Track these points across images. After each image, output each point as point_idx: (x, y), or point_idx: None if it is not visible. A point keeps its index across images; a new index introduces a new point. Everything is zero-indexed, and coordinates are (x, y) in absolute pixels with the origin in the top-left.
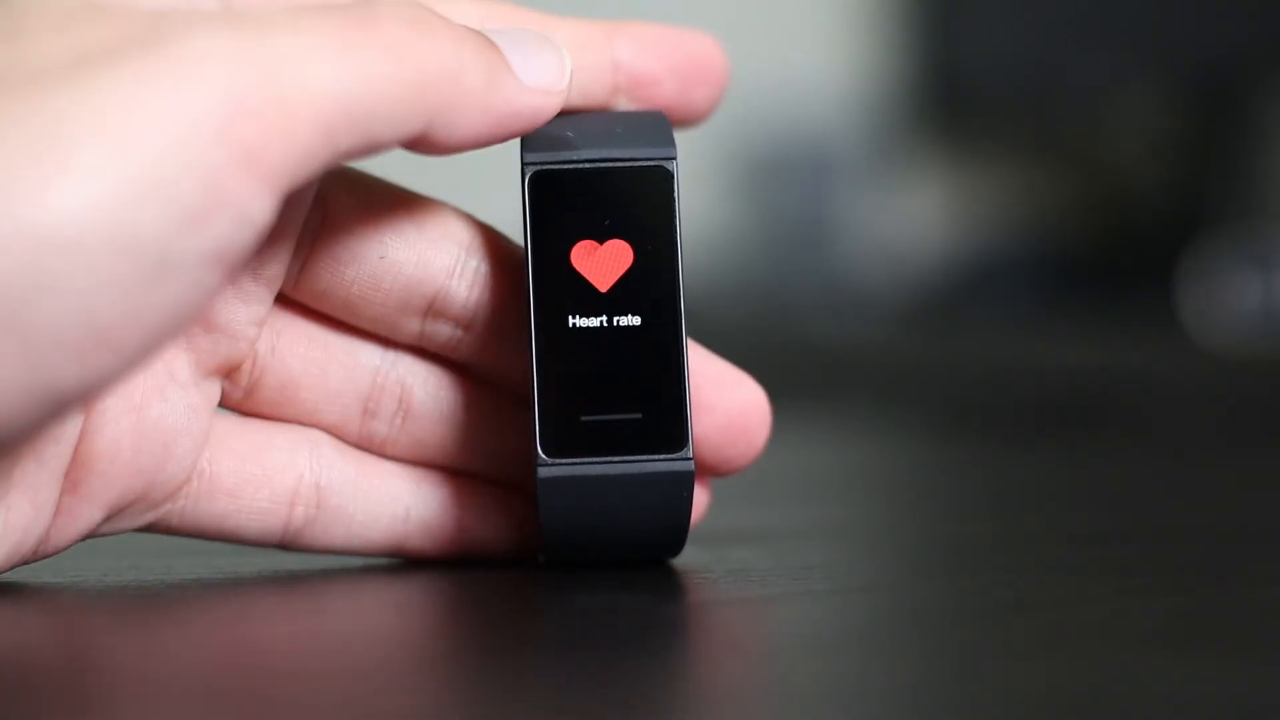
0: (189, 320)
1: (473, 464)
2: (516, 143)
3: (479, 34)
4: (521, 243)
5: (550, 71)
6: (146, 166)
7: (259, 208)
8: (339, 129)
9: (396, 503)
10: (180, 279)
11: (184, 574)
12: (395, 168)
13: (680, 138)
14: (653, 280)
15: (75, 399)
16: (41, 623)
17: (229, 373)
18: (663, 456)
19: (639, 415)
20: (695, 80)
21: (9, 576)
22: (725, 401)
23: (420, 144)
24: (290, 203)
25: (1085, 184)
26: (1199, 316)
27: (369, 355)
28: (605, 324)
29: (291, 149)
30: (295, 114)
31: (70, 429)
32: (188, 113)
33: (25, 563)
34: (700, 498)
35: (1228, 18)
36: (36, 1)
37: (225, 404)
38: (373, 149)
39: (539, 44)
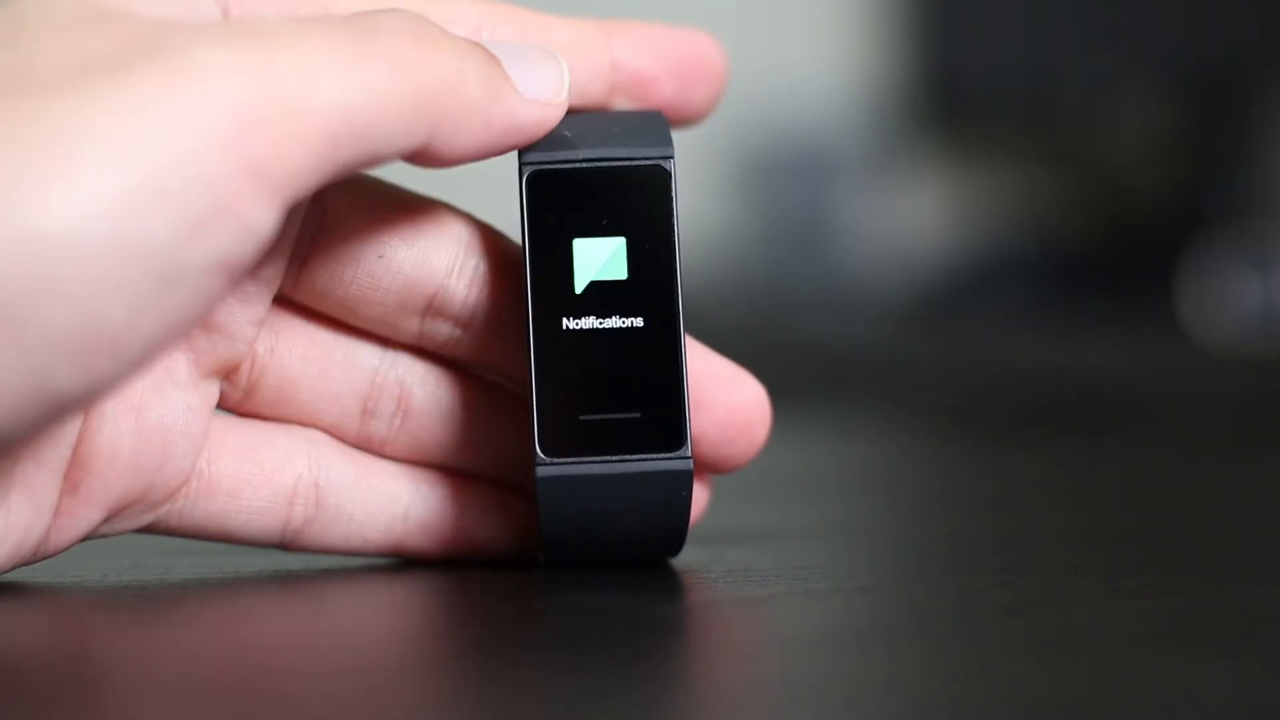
0: (191, 327)
1: (472, 464)
2: None
3: (480, 47)
4: (520, 242)
5: (550, 84)
6: (151, 175)
7: (263, 219)
8: (342, 141)
9: (395, 503)
10: (183, 287)
11: (184, 574)
12: (394, 167)
13: (679, 137)
14: (651, 280)
15: (76, 403)
16: (41, 623)
17: (228, 373)
18: (661, 456)
19: (637, 415)
20: (694, 79)
21: (9, 577)
22: (725, 399)
23: (421, 156)
24: None
25: (1085, 184)
26: (1199, 316)
27: (368, 355)
28: (604, 324)
29: (296, 161)
30: (300, 126)
31: (69, 430)
32: (193, 123)
33: (25, 563)
34: (700, 495)
35: (1227, 17)
36: (43, 8)
37: (224, 405)
38: (375, 161)
39: (539, 56)
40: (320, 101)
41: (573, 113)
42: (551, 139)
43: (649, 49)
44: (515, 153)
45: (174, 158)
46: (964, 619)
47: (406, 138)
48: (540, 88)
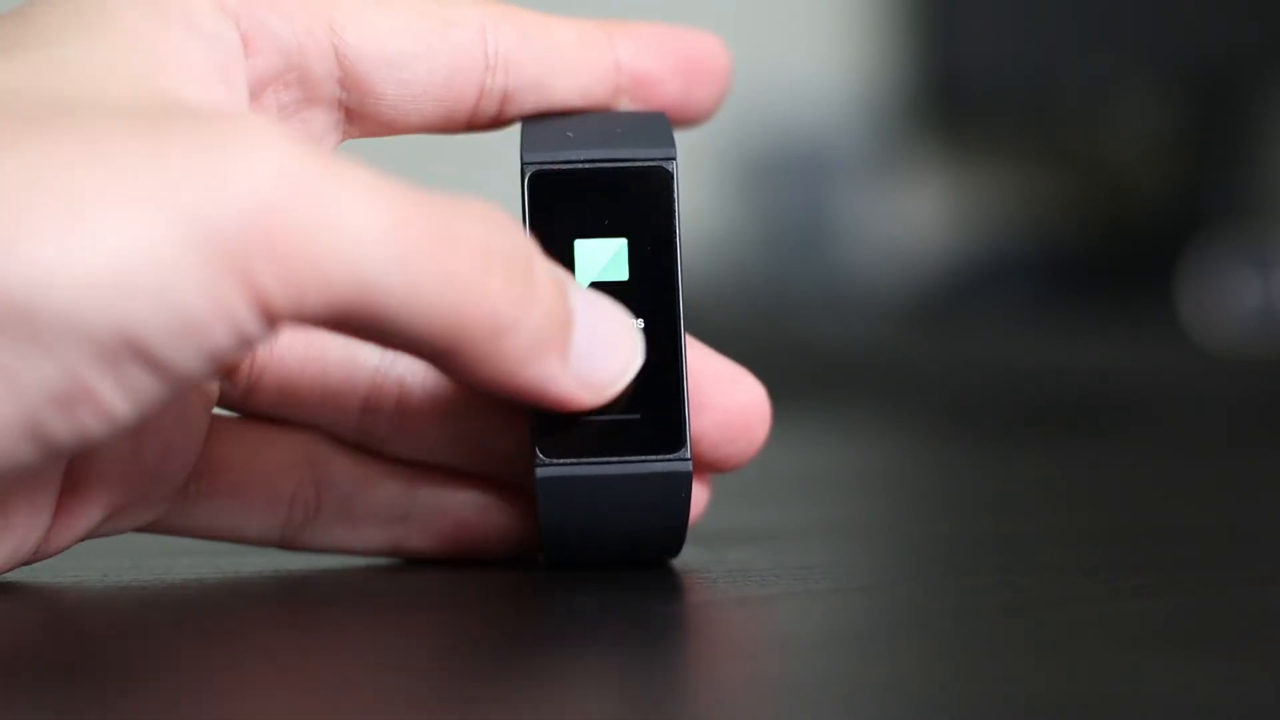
0: (181, 393)
1: (472, 464)
2: (516, 142)
3: (560, 297)
4: None
5: (610, 372)
6: (157, 267)
7: (257, 332)
8: (352, 315)
9: (395, 502)
10: (169, 371)
11: (184, 574)
12: (395, 163)
13: (680, 137)
14: (652, 281)
15: (68, 450)
16: (41, 623)
17: (228, 373)
18: (661, 457)
19: (637, 415)
20: (698, 79)
21: (9, 577)
22: (725, 398)
23: (429, 363)
24: None
25: (1085, 184)
26: (1199, 316)
27: (368, 355)
28: None
29: (294, 305)
30: (313, 278)
31: None
32: (210, 220)
33: (26, 563)
34: (700, 495)
35: (1227, 17)
36: (113, 100)
37: (224, 403)
38: (379, 345)
39: (618, 337)
40: (351, 264)
41: (575, 113)
42: (553, 139)
43: (652, 49)
44: (518, 153)
45: (184, 253)
46: (964, 619)
47: (417, 347)
48: (596, 372)
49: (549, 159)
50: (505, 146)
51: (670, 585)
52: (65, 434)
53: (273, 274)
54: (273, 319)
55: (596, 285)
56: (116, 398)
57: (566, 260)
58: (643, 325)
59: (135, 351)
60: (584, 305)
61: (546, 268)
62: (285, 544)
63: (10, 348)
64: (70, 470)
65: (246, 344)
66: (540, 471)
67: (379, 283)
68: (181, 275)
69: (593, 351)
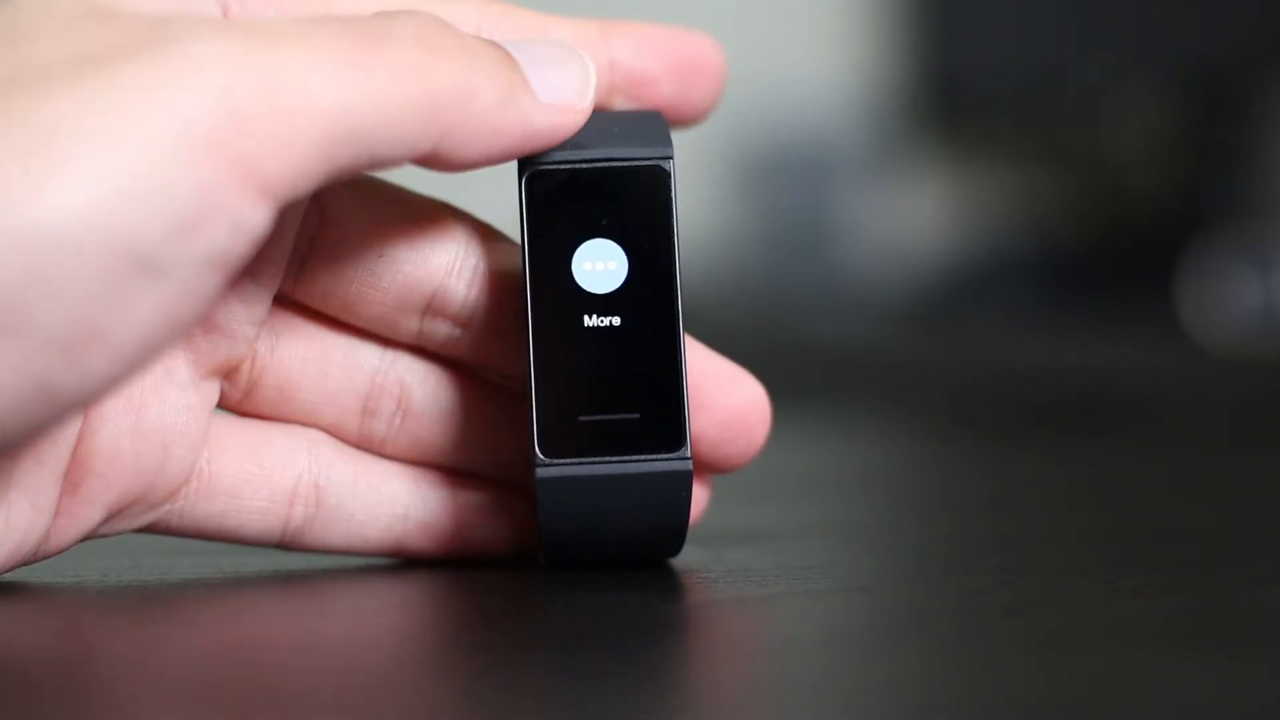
0: (187, 325)
1: (472, 464)
2: None
3: (497, 48)
4: (519, 242)
5: (572, 87)
6: (141, 172)
7: (255, 218)
8: (340, 145)
9: (395, 502)
10: (175, 284)
11: (184, 574)
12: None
13: (679, 137)
14: (651, 280)
15: (75, 402)
16: (41, 623)
17: (228, 373)
18: (661, 456)
19: (637, 415)
20: (693, 79)
21: (9, 576)
22: (725, 399)
23: (429, 161)
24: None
25: (1085, 184)
26: (1199, 316)
27: (368, 355)
28: (603, 324)
29: (289, 163)
30: (294, 128)
31: (69, 430)
32: (184, 120)
33: (25, 563)
34: (700, 495)
35: (1227, 17)
36: (40, 5)
37: (224, 404)
38: (376, 166)
39: (562, 57)
40: (318, 104)
41: None
42: None
43: (648, 49)
44: None
45: (165, 155)
46: (964, 619)
47: (411, 145)
48: (560, 91)
49: (546, 159)
50: None
51: (670, 585)
52: (70, 384)
53: (258, 147)
54: (268, 195)
55: (596, 284)
56: (121, 326)
57: (565, 259)
58: (640, 324)
59: (136, 263)
60: (516, 47)
61: (467, 31)
62: (285, 544)
63: (10, 290)
64: (70, 470)
65: (247, 235)
66: (540, 471)
67: (349, 105)
68: (166, 176)
69: (547, 76)
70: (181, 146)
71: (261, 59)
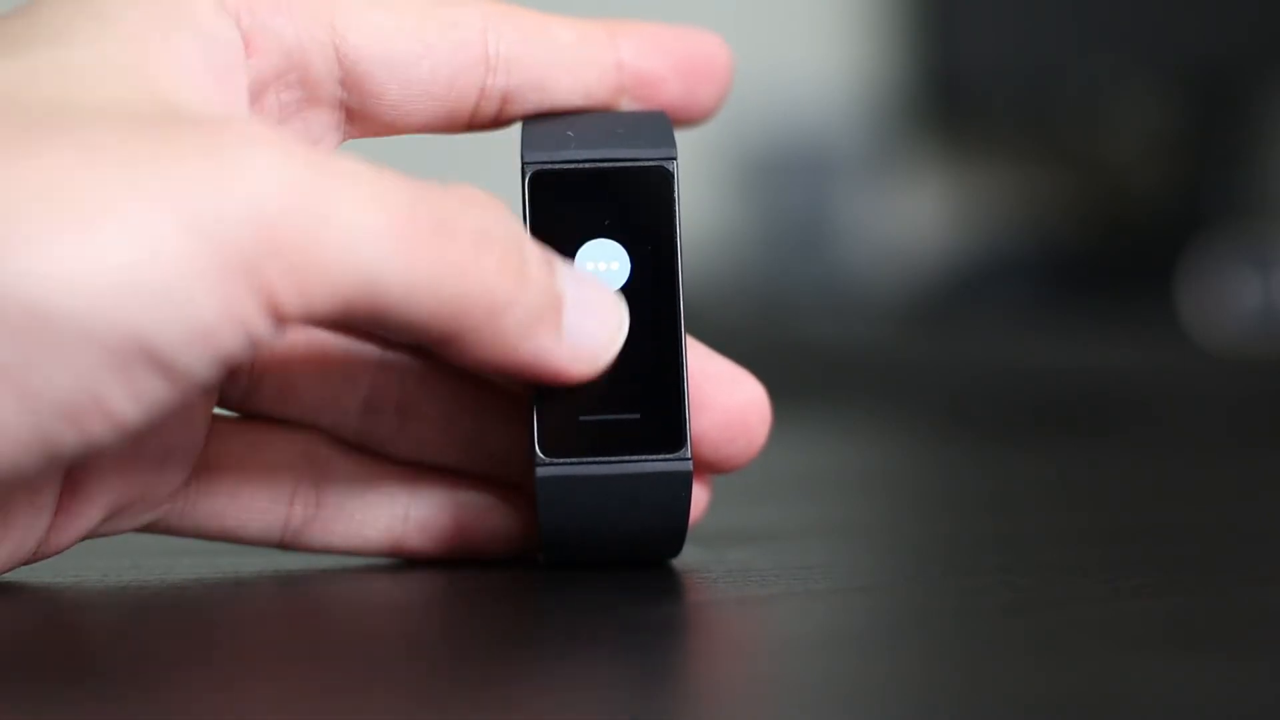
0: (189, 400)
1: (472, 464)
2: (517, 141)
3: (549, 276)
4: None
5: (600, 342)
6: (167, 274)
7: (267, 333)
8: (356, 309)
9: (395, 502)
10: (179, 377)
11: (184, 574)
12: (395, 163)
13: (680, 137)
14: (653, 281)
15: (73, 456)
16: (41, 623)
17: (228, 373)
18: (661, 457)
19: (637, 415)
20: (699, 79)
21: (9, 577)
22: (725, 399)
23: (430, 347)
24: None
25: (1085, 184)
26: (1199, 316)
27: (368, 355)
28: None
29: (304, 304)
30: (322, 277)
31: None
32: (222, 224)
33: (25, 563)
34: (700, 496)
35: (1227, 17)
36: (114, 105)
37: (224, 404)
38: (383, 335)
39: (605, 307)
40: (354, 266)
41: (576, 112)
42: (554, 139)
43: (654, 49)
44: (518, 153)
45: (195, 263)
46: (964, 619)
47: (422, 334)
48: (587, 341)
49: (549, 159)
50: (506, 146)
51: (670, 585)
52: (72, 443)
53: (280, 276)
54: (281, 319)
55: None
56: (126, 405)
57: (568, 259)
58: (641, 324)
59: (147, 358)
60: (570, 281)
61: (535, 247)
62: (285, 544)
63: (22, 356)
64: (70, 470)
65: (255, 346)
66: (540, 471)
67: (382, 276)
68: (192, 281)
69: (582, 324)
70: (213, 257)
71: (320, 191)
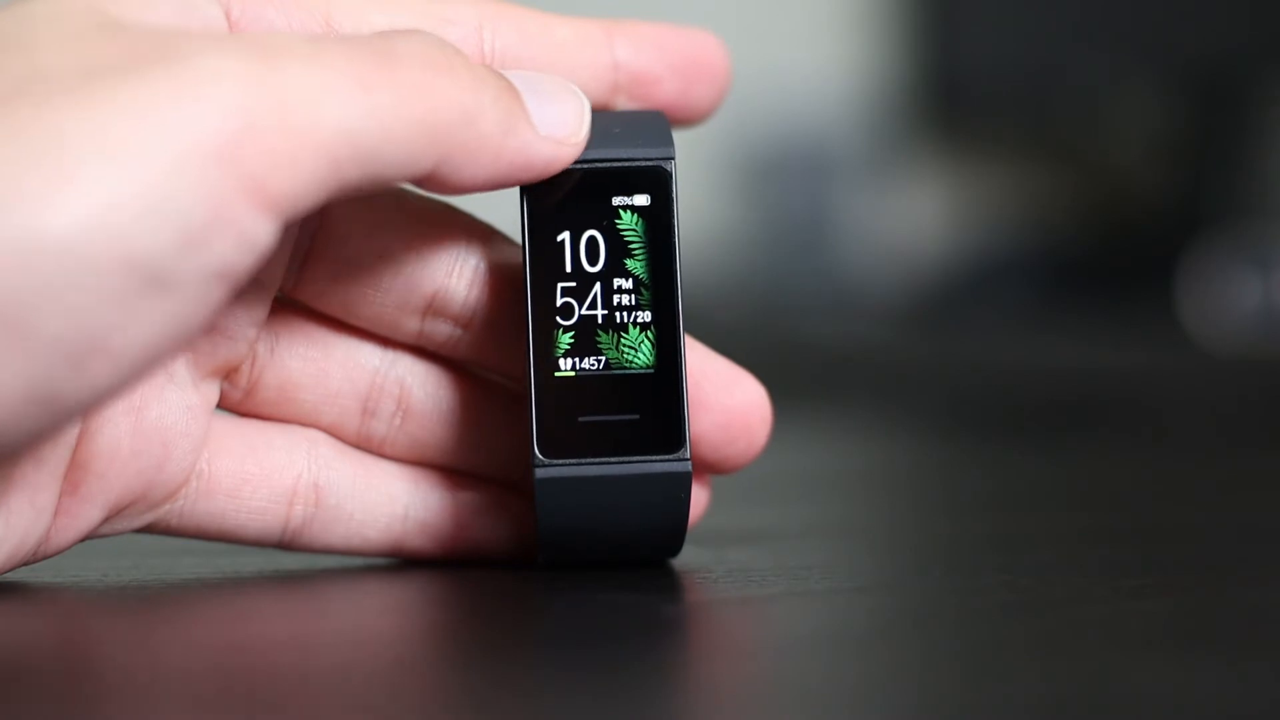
0: (192, 335)
1: (471, 464)
2: None
3: (499, 76)
4: (520, 242)
5: (568, 121)
6: (148, 184)
7: (261, 231)
8: (345, 163)
9: (395, 502)
10: (180, 295)
11: (184, 574)
12: None
13: (679, 137)
14: (651, 281)
15: (77, 409)
16: (41, 623)
17: (228, 374)
18: (660, 457)
19: (637, 416)
20: (697, 79)
21: (9, 577)
22: (726, 400)
23: (428, 183)
24: None
25: (1085, 184)
26: (1199, 316)
27: (368, 355)
28: None
29: (296, 179)
30: (302, 144)
31: (70, 431)
32: (192, 133)
33: (25, 563)
34: (700, 497)
35: (1227, 17)
36: (51, 16)
37: (224, 404)
38: (379, 185)
39: (559, 91)
40: (326, 122)
41: None
42: None
43: (651, 48)
44: None
45: (172, 167)
46: (964, 619)
47: (413, 165)
48: (557, 124)
49: None
50: None
51: (670, 585)
52: (75, 391)
53: (261, 159)
54: (276, 208)
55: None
56: (127, 337)
57: (564, 259)
58: (640, 324)
59: (142, 275)
60: (517, 76)
61: (471, 59)
62: (284, 544)
63: (14, 296)
64: (70, 470)
65: (253, 249)
66: (539, 472)
67: (354, 124)
68: (175, 189)
69: (546, 109)
70: (190, 160)
71: (272, 77)
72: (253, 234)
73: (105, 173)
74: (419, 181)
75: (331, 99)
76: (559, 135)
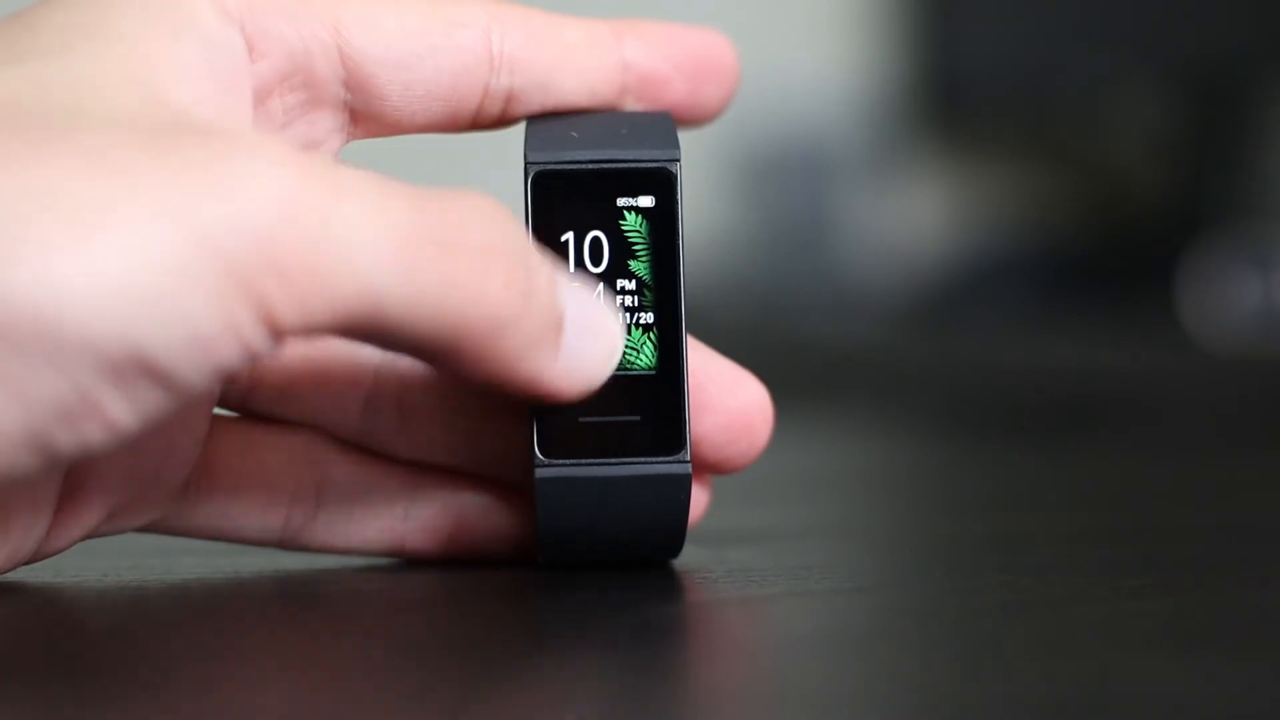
0: (186, 407)
1: (472, 464)
2: (520, 141)
3: (551, 287)
4: None
5: (596, 364)
6: (169, 288)
7: (265, 347)
8: (354, 322)
9: (395, 502)
10: (177, 388)
11: (184, 574)
12: (397, 161)
13: (680, 138)
14: (654, 282)
15: (69, 458)
16: (41, 623)
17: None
18: (660, 459)
19: (637, 417)
20: (705, 79)
21: (9, 576)
22: (727, 401)
23: (429, 364)
24: None
25: (1085, 184)
26: (1199, 316)
27: (369, 355)
28: None
29: (301, 318)
30: (321, 290)
31: None
32: (222, 228)
33: (25, 563)
34: (701, 497)
35: (1227, 17)
36: (118, 114)
37: (225, 403)
38: (381, 348)
39: (603, 331)
40: (354, 279)
41: (580, 112)
42: (557, 139)
43: (660, 49)
44: (521, 152)
45: (189, 262)
46: (964, 619)
47: (421, 350)
48: (583, 365)
49: (552, 159)
50: (510, 145)
51: (670, 585)
52: (68, 444)
53: (278, 289)
54: (279, 333)
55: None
56: (122, 411)
57: (567, 259)
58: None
59: (143, 367)
60: (572, 299)
61: (541, 263)
62: (285, 544)
63: (18, 360)
64: (70, 471)
65: (252, 357)
66: (540, 472)
67: (382, 291)
68: (192, 293)
69: (580, 345)
70: (209, 262)
71: (321, 203)
72: (256, 346)
73: (127, 261)
74: (420, 360)
75: (370, 261)
76: (577, 377)
